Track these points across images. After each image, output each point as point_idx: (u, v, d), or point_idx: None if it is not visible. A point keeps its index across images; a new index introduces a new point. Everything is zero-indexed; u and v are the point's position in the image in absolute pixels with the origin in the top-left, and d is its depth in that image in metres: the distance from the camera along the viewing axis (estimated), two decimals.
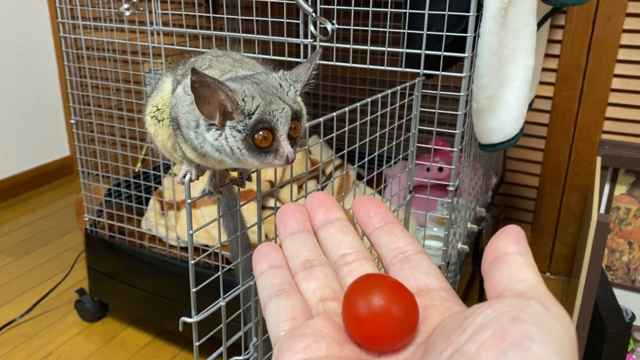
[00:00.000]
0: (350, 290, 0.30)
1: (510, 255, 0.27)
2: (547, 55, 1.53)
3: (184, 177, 0.59)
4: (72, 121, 1.34)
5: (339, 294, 0.34)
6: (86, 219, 1.41)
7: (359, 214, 0.37)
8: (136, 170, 1.53)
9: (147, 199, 1.42)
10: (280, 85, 0.52)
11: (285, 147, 0.50)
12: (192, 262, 0.58)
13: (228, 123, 0.50)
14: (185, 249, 1.29)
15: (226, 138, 0.51)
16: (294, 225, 0.38)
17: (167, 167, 1.44)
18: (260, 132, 0.49)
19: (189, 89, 0.55)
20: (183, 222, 1.29)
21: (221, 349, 0.66)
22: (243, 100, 0.49)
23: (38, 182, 2.32)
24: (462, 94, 0.91)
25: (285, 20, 0.98)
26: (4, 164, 2.20)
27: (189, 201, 0.55)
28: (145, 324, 1.49)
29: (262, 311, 0.34)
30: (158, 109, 0.61)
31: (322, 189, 1.02)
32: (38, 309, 1.54)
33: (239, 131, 0.50)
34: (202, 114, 0.51)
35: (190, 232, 0.56)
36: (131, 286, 1.37)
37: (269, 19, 1.00)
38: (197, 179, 0.60)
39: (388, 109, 0.87)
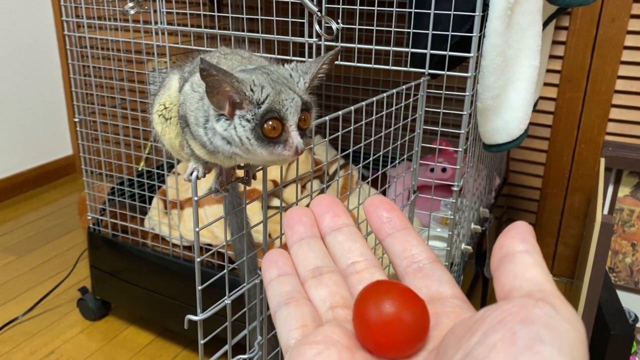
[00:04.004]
0: (360, 297, 0.30)
1: (517, 254, 0.27)
2: (551, 57, 1.53)
3: (191, 174, 0.59)
4: (76, 120, 1.34)
5: (349, 302, 0.34)
6: (89, 217, 1.41)
7: (371, 218, 0.37)
8: (139, 169, 1.53)
9: (151, 198, 1.42)
10: (291, 76, 0.52)
11: (295, 137, 0.50)
12: (198, 260, 0.58)
13: (237, 112, 0.50)
14: (188, 248, 1.29)
15: (235, 128, 0.51)
16: (302, 230, 0.38)
17: (171, 166, 1.44)
18: (270, 122, 0.49)
19: (197, 85, 0.55)
20: (186, 221, 1.29)
21: (226, 347, 0.66)
22: (252, 90, 0.49)
23: (41, 180, 2.33)
24: (467, 94, 0.91)
25: (290, 19, 0.98)
26: (6, 163, 2.20)
27: (195, 198, 0.55)
28: (147, 323, 1.49)
29: (272, 319, 0.34)
30: (165, 108, 0.61)
31: (326, 188, 1.02)
32: (40, 308, 1.54)
33: (248, 121, 0.50)
34: (211, 104, 0.51)
35: (197, 229, 0.56)
36: (134, 285, 1.37)
37: (274, 18, 1.00)
38: (204, 176, 0.60)
39: (393, 108, 0.87)
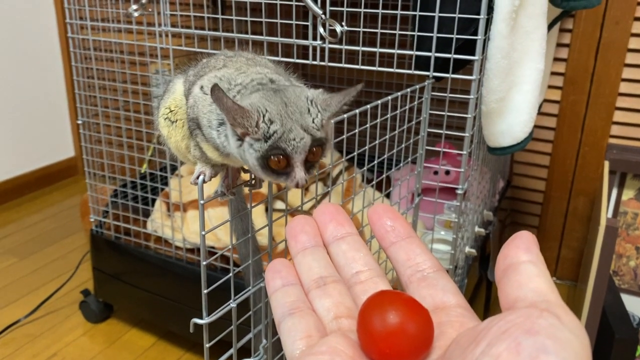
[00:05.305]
0: (365, 307, 0.31)
1: (522, 265, 0.27)
2: (554, 59, 1.52)
3: (197, 177, 0.59)
4: (79, 122, 1.34)
5: (353, 312, 0.34)
6: (92, 219, 1.41)
7: (375, 226, 0.37)
8: (142, 171, 1.53)
9: (153, 200, 1.42)
10: (308, 111, 0.50)
11: (298, 173, 0.50)
12: (204, 263, 0.57)
13: (247, 139, 0.50)
14: (190, 250, 1.29)
15: (244, 151, 0.51)
16: (305, 240, 0.38)
17: (174, 168, 1.43)
18: (274, 157, 0.49)
19: (207, 88, 0.54)
20: (189, 223, 1.29)
21: (231, 350, 0.66)
22: (257, 125, 0.49)
23: (43, 182, 2.33)
24: (471, 96, 0.91)
25: (293, 22, 0.98)
26: (8, 165, 2.20)
27: (202, 202, 0.55)
28: (149, 326, 1.48)
29: (277, 330, 0.34)
30: (171, 111, 0.61)
31: (331, 191, 1.02)
32: (43, 310, 1.54)
33: (255, 150, 0.50)
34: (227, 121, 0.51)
35: (203, 232, 0.56)
36: (136, 287, 1.37)
37: (277, 20, 1.00)
38: (210, 179, 0.60)
39: (398, 111, 0.87)
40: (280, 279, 0.36)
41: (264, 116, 0.49)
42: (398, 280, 0.36)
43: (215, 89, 0.47)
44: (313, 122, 0.50)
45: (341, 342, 0.30)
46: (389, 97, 0.82)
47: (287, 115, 0.49)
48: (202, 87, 0.56)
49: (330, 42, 0.96)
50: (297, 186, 0.50)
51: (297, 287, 0.36)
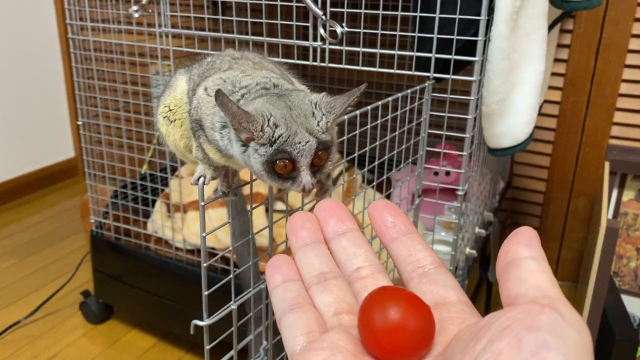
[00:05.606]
0: (366, 303, 0.31)
1: (523, 260, 0.27)
2: (555, 60, 1.52)
3: (198, 179, 0.59)
4: (79, 123, 1.34)
5: (354, 307, 0.34)
6: (92, 220, 1.41)
7: (376, 222, 0.37)
8: (142, 172, 1.53)
9: (153, 201, 1.42)
10: (313, 114, 0.50)
11: (304, 177, 0.50)
12: (205, 265, 0.57)
13: (252, 144, 0.50)
14: (190, 251, 1.29)
15: (249, 156, 0.51)
16: (306, 236, 0.38)
17: (174, 169, 1.43)
18: (279, 162, 0.49)
19: (211, 90, 0.54)
20: (189, 224, 1.28)
21: (231, 352, 0.66)
22: (262, 130, 0.49)
23: (43, 183, 2.32)
24: (472, 97, 0.91)
25: (294, 23, 0.98)
26: (8, 165, 2.20)
27: (202, 203, 0.55)
28: (150, 327, 1.48)
29: (277, 325, 0.34)
30: (170, 110, 0.61)
31: (331, 192, 1.02)
32: (43, 311, 1.54)
33: (260, 155, 0.50)
34: (232, 126, 0.51)
35: (203, 234, 0.56)
36: (136, 288, 1.37)
37: (278, 21, 1.00)
38: (209, 182, 0.60)
39: (399, 112, 0.87)
40: (280, 275, 0.36)
41: (268, 120, 0.49)
42: (399, 276, 0.36)
43: (220, 94, 0.47)
44: (318, 125, 0.50)
45: (342, 338, 0.30)
46: (390, 98, 0.82)
47: (292, 119, 0.49)
48: (206, 89, 0.55)
49: (330, 43, 0.96)
50: (303, 191, 0.50)
51: (298, 283, 0.36)
